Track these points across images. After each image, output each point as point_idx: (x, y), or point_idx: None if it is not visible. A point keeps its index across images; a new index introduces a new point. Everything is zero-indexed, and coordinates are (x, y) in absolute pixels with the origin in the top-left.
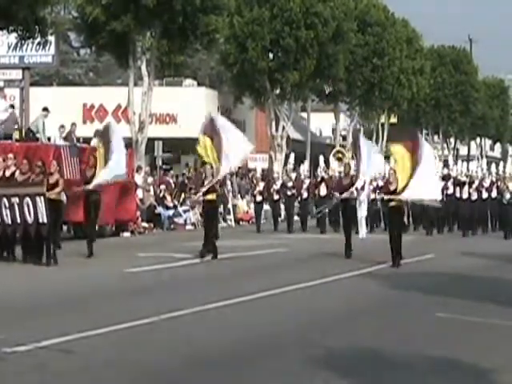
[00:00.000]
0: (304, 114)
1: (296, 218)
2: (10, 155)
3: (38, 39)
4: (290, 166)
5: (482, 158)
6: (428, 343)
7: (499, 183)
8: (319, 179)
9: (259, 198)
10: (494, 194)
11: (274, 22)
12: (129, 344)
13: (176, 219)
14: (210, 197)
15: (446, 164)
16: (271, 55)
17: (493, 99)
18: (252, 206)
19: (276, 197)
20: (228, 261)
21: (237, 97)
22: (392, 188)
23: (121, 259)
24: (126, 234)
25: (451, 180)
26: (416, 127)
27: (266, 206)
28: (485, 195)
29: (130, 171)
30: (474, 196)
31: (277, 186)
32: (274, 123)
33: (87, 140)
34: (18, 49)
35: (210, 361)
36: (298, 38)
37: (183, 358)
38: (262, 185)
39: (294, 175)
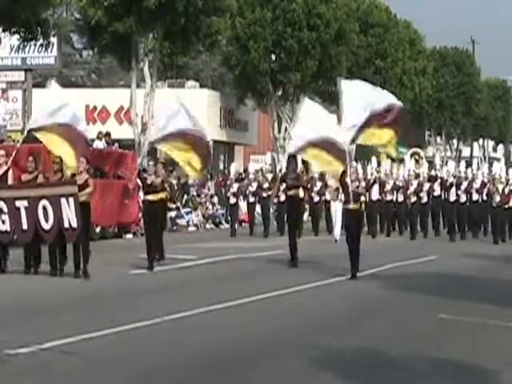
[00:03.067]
0: None
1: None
2: (1, 152)
3: (41, 41)
4: (267, 166)
5: (484, 159)
6: (429, 344)
7: (489, 185)
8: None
9: (233, 200)
10: (484, 196)
11: (276, 23)
12: (132, 345)
13: (178, 220)
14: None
15: (432, 165)
16: (273, 56)
17: (495, 100)
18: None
19: (252, 199)
20: (230, 262)
21: (239, 98)
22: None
23: (123, 261)
24: (129, 236)
25: (438, 181)
26: (418, 128)
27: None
28: (475, 197)
29: (132, 173)
30: (463, 198)
31: (252, 187)
32: (276, 124)
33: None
34: (20, 50)
35: (212, 362)
36: (300, 39)
37: (186, 359)
38: (235, 186)
39: (270, 176)
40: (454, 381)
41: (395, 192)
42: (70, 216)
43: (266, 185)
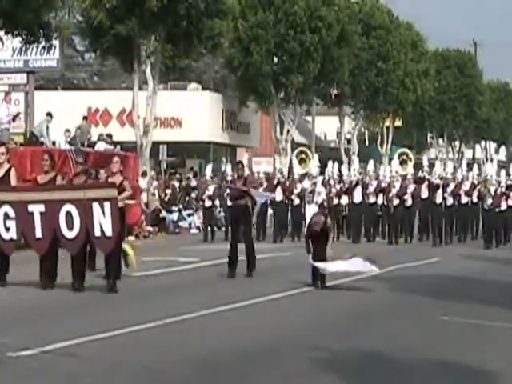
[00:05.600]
0: (309, 118)
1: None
2: (1, 150)
3: (43, 43)
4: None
5: (487, 161)
6: (432, 346)
7: (480, 187)
8: (276, 182)
9: (208, 203)
10: (474, 198)
11: (279, 25)
12: (133, 348)
13: (181, 223)
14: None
15: (420, 166)
16: (276, 59)
17: (497, 102)
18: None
19: (230, 202)
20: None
21: (241, 100)
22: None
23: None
24: (131, 238)
25: (426, 183)
26: (420, 130)
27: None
28: (464, 200)
29: (134, 175)
30: (450, 201)
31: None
32: (278, 127)
33: (92, 144)
34: (22, 53)
35: (215, 364)
36: (303, 41)
37: (188, 361)
38: (211, 189)
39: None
40: (456, 383)
41: (380, 195)
42: (103, 223)
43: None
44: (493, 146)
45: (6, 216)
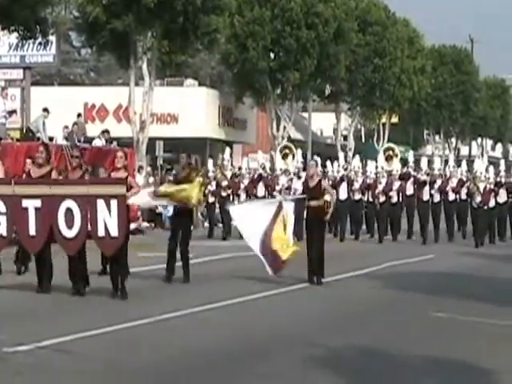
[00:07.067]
0: (305, 114)
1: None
2: None
3: (39, 39)
4: (225, 162)
5: (482, 158)
6: (426, 343)
7: (469, 184)
8: (256, 177)
9: (211, 199)
10: (463, 195)
11: (275, 21)
12: (128, 344)
13: None
14: None
15: (405, 162)
16: (272, 55)
17: (494, 99)
18: None
19: (211, 199)
20: (227, 261)
21: (238, 97)
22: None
23: None
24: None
25: (411, 179)
26: (416, 127)
27: None
28: (452, 197)
29: (131, 171)
30: (437, 198)
31: (212, 186)
32: (274, 123)
33: (89, 140)
34: (19, 48)
35: (209, 362)
36: (299, 37)
37: (182, 358)
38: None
39: (229, 174)
40: (449, 379)
41: (366, 191)
42: (108, 222)
43: (224, 183)
44: (489, 142)
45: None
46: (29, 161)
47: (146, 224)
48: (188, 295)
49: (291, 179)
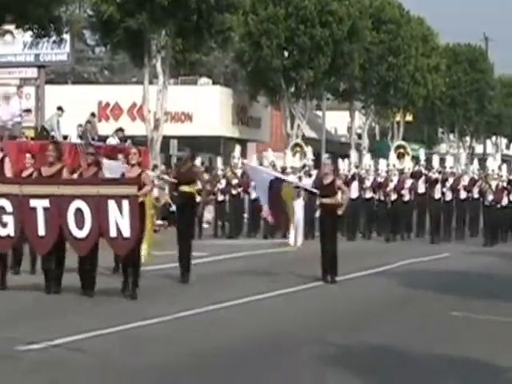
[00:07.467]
0: (319, 113)
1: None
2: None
3: (54, 37)
4: (236, 160)
5: (496, 156)
6: (441, 342)
7: (481, 182)
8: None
9: (221, 197)
10: (475, 194)
11: (289, 20)
12: (142, 342)
13: None
14: None
15: (417, 160)
16: (286, 53)
17: (508, 97)
18: None
19: (221, 197)
20: (242, 259)
21: (252, 95)
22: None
23: None
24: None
25: (423, 178)
26: (430, 125)
27: None
28: (463, 195)
29: (144, 169)
30: (449, 196)
31: (221, 184)
32: (288, 121)
33: (103, 138)
34: (33, 47)
35: (220, 361)
36: (313, 36)
37: (197, 357)
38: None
39: (240, 172)
40: (466, 378)
41: (377, 189)
42: (120, 223)
43: (234, 181)
44: (504, 141)
45: (3, 210)
46: (28, 155)
47: (159, 222)
48: (200, 294)
49: (299, 177)
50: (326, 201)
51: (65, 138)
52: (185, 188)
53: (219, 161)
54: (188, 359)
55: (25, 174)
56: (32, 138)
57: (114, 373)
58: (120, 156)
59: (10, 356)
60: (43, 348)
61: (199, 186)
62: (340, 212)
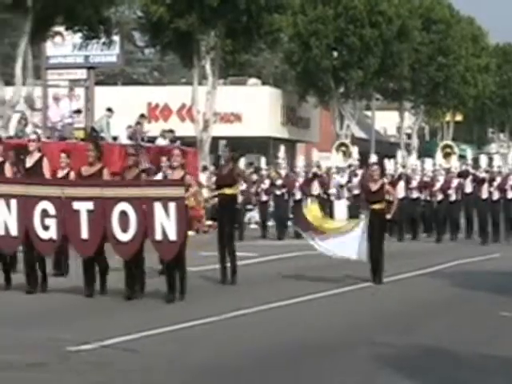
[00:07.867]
0: (368, 113)
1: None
2: (33, 136)
3: (103, 39)
4: (280, 160)
5: None
6: (492, 343)
7: None
8: (311, 176)
9: (265, 198)
10: None
11: (338, 20)
12: (192, 343)
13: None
14: None
15: (464, 160)
16: (335, 53)
17: None
18: None
19: (264, 198)
20: (293, 260)
21: (301, 95)
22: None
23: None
24: (191, 233)
25: (470, 177)
26: (481, 125)
27: None
28: (510, 195)
29: (194, 170)
30: (496, 196)
31: (265, 184)
32: (338, 122)
33: (152, 139)
34: (82, 49)
35: (272, 360)
36: (363, 36)
37: (246, 357)
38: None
39: (284, 172)
40: None
41: (423, 189)
42: (166, 225)
43: (279, 181)
44: None
45: (45, 213)
46: (63, 155)
47: (208, 222)
48: (252, 293)
49: (342, 176)
50: (376, 206)
51: (114, 139)
52: (226, 190)
53: (263, 161)
54: (239, 359)
55: (60, 174)
56: (82, 140)
57: (165, 373)
58: (164, 159)
59: (61, 356)
60: (94, 348)
61: (243, 186)
62: (389, 216)
